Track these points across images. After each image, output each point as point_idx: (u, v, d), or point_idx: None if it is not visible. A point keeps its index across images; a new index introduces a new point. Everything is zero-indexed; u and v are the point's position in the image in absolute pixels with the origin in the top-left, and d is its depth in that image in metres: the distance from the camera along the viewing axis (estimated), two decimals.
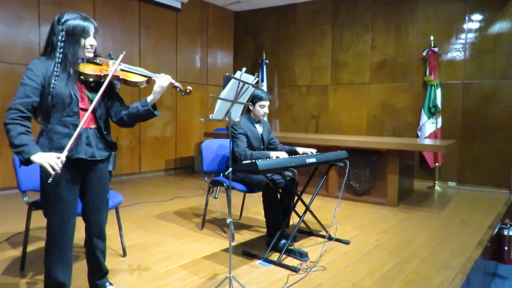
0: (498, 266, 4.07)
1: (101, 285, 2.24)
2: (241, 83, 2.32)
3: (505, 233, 3.81)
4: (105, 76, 1.96)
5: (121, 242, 2.91)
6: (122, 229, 2.94)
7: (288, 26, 7.48)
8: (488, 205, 4.78)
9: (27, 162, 1.78)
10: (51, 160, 1.74)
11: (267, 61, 7.55)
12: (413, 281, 2.57)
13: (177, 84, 2.14)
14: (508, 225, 3.86)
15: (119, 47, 6.08)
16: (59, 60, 1.88)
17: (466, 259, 2.94)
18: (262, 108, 3.40)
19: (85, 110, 1.94)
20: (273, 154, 3.15)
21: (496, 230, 3.80)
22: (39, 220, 3.28)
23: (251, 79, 2.46)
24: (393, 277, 2.63)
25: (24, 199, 2.60)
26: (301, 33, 7.35)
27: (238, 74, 2.34)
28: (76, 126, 1.88)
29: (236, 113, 2.49)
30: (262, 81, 7.40)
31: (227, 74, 2.35)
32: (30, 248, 2.93)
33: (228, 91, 2.32)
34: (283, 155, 3.13)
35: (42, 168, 1.79)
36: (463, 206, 4.75)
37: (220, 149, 3.78)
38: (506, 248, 3.80)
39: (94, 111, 1.98)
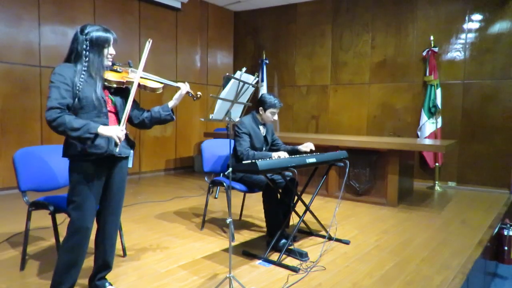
0: (498, 266, 4.07)
1: (101, 285, 2.24)
2: (241, 83, 2.32)
3: (505, 233, 3.81)
4: (127, 82, 2.13)
5: (121, 242, 2.91)
6: (122, 229, 2.93)
7: (288, 26, 7.48)
8: (488, 205, 4.78)
9: (95, 138, 1.93)
10: (117, 132, 1.95)
11: (267, 61, 7.55)
12: (413, 281, 2.57)
13: (189, 90, 2.36)
14: (508, 225, 3.86)
15: (119, 47, 6.07)
16: (85, 68, 2.00)
17: (466, 259, 2.94)
18: (272, 115, 3.39)
19: (111, 112, 2.11)
20: (274, 154, 3.16)
21: (496, 230, 3.80)
22: (39, 220, 3.29)
23: (251, 79, 2.46)
24: (393, 277, 2.63)
25: (24, 199, 2.60)
26: (301, 33, 7.35)
27: (238, 74, 2.34)
28: (105, 125, 2.01)
29: (236, 113, 2.49)
30: (262, 81, 7.39)
31: (227, 74, 2.35)
32: (30, 248, 2.93)
33: (228, 91, 2.32)
34: (284, 155, 3.14)
35: (74, 166, 2.01)
36: (463, 206, 4.75)
37: (220, 149, 3.77)
38: (506, 248, 3.80)
39: (117, 113, 2.13)
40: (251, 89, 2.47)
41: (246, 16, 7.98)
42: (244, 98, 2.47)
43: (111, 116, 2.10)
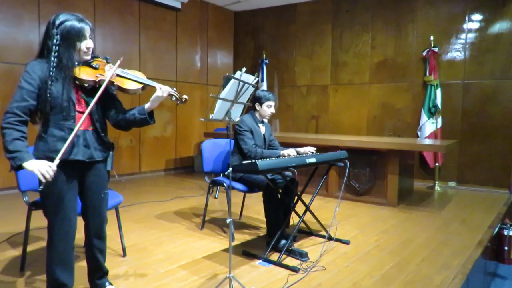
0: (498, 266, 4.07)
1: (101, 285, 2.24)
2: (241, 83, 2.33)
3: (505, 233, 3.81)
4: (100, 81, 1.95)
5: (121, 242, 2.91)
6: (122, 229, 2.94)
7: (288, 26, 7.48)
8: (488, 205, 4.78)
9: (19, 168, 1.78)
10: (42, 168, 1.74)
11: (267, 61, 7.55)
12: (413, 281, 2.57)
13: (173, 92, 2.09)
14: (508, 225, 3.86)
15: (119, 47, 6.08)
16: (54, 64, 1.85)
17: (466, 259, 2.94)
18: (269, 108, 3.41)
19: (82, 113, 1.94)
20: (284, 152, 3.16)
21: (496, 230, 3.80)
22: (39, 220, 3.28)
23: (251, 79, 2.47)
24: (393, 277, 2.63)
25: (24, 199, 2.60)
26: (301, 33, 7.35)
27: (238, 74, 2.34)
28: (71, 129, 1.89)
29: (236, 113, 2.49)
30: (262, 81, 7.40)
31: (227, 74, 2.35)
32: (30, 248, 2.93)
33: (228, 91, 2.32)
34: (293, 153, 3.14)
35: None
36: (463, 206, 4.75)
37: (220, 149, 3.77)
38: (506, 248, 3.80)
39: (91, 114, 1.99)
40: (251, 89, 2.48)
41: (246, 16, 7.98)
42: (244, 98, 2.47)
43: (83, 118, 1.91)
